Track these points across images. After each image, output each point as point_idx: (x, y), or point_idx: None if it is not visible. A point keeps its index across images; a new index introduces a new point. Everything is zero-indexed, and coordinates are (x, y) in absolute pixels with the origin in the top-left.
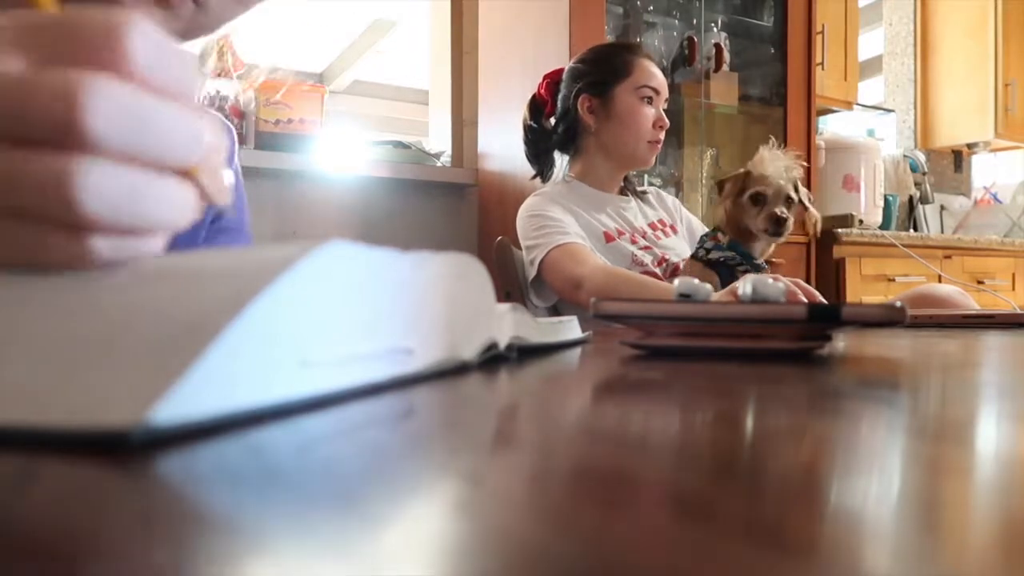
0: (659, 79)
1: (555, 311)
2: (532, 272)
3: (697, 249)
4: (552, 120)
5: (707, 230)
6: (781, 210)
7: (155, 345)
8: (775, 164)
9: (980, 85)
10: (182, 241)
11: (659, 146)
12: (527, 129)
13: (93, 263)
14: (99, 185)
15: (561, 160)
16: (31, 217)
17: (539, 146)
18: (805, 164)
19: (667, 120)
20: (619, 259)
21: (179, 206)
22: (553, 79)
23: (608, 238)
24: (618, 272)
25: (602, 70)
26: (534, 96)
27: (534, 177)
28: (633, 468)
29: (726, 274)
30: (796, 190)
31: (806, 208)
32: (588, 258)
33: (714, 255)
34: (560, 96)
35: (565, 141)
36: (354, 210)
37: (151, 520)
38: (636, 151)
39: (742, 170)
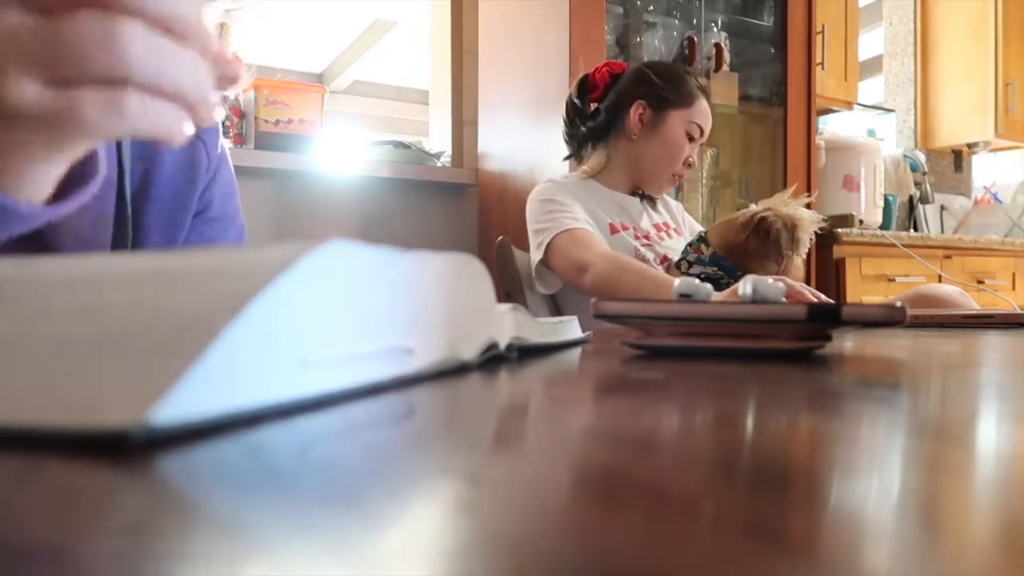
0: (709, 123)
1: (553, 302)
2: (538, 256)
3: (680, 261)
4: (593, 106)
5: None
6: (766, 270)
7: (155, 345)
8: (788, 215)
9: (980, 85)
10: (175, 205)
11: (678, 181)
12: (570, 106)
13: (125, 120)
14: (138, 41)
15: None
16: (74, 78)
17: (577, 126)
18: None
19: (696, 162)
20: (623, 250)
21: (201, 82)
22: (615, 71)
23: (613, 230)
24: (623, 260)
25: (669, 89)
26: (587, 76)
27: (567, 157)
28: (633, 468)
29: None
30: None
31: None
32: (595, 244)
33: (695, 270)
34: (617, 90)
35: (599, 133)
36: (354, 210)
37: (151, 520)
38: (660, 176)
39: (760, 211)
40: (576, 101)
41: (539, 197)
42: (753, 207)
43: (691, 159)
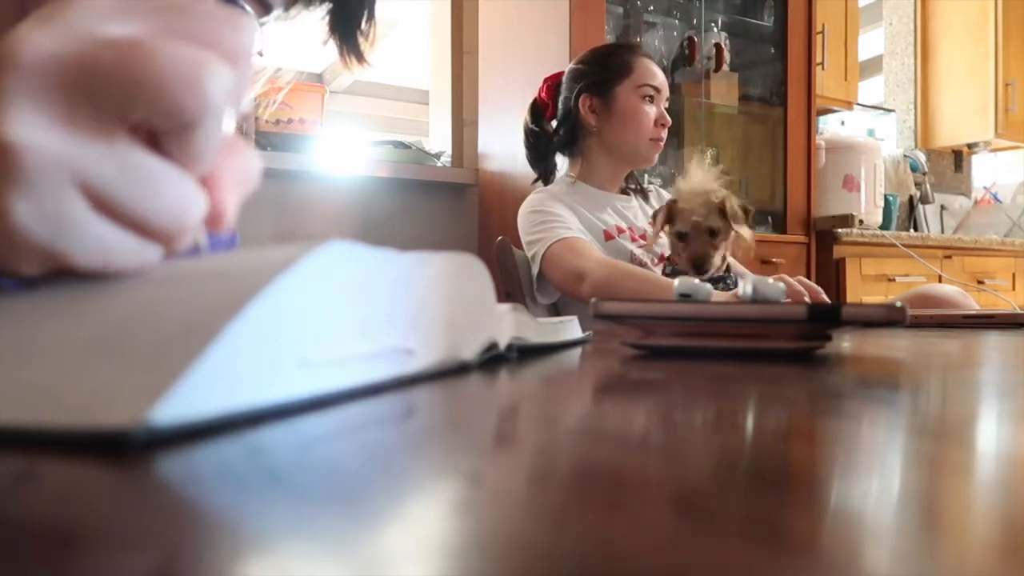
0: (659, 78)
1: (555, 309)
2: (535, 268)
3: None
4: (553, 123)
5: None
6: (703, 250)
7: (155, 345)
8: (694, 196)
9: (980, 85)
10: None
11: (661, 144)
12: (528, 132)
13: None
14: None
15: (562, 163)
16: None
17: (541, 149)
18: (727, 178)
19: (669, 118)
20: (619, 257)
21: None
22: (554, 82)
23: (608, 236)
24: (620, 265)
25: (603, 70)
26: (535, 100)
27: (536, 181)
28: (633, 468)
29: None
30: (724, 215)
31: (737, 232)
32: (590, 252)
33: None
34: (561, 98)
35: (567, 142)
36: (354, 210)
37: (151, 520)
38: (638, 149)
39: (668, 199)
40: (534, 127)
41: (529, 209)
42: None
43: (662, 119)
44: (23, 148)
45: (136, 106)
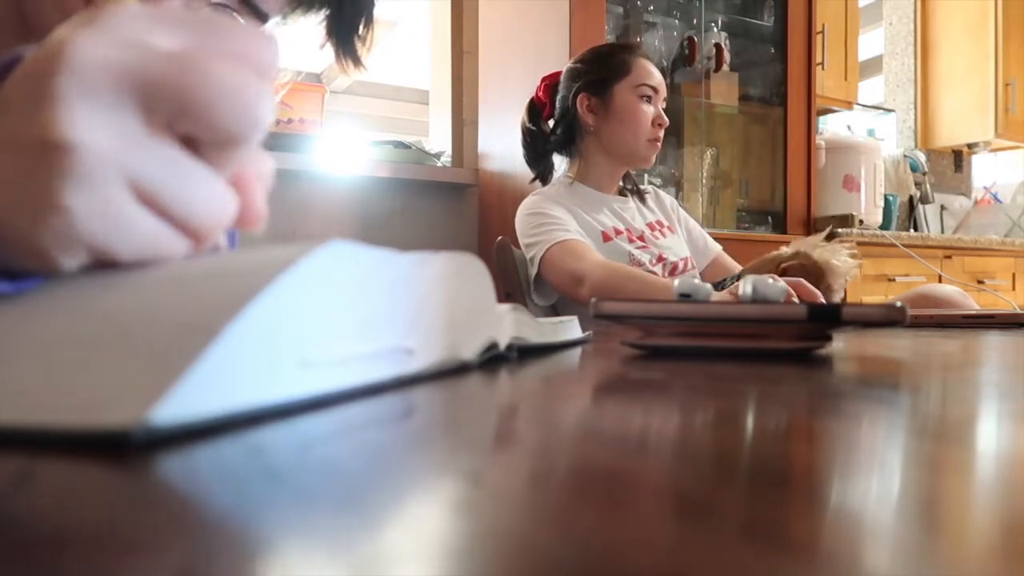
0: (657, 78)
1: (554, 311)
2: (533, 270)
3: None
4: (551, 123)
5: (705, 232)
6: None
7: (155, 345)
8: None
9: (980, 85)
10: None
11: (658, 144)
12: (526, 132)
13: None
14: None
15: (560, 163)
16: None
17: (538, 149)
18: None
19: (666, 118)
20: (617, 258)
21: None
22: (551, 82)
23: (606, 237)
24: (619, 268)
25: (601, 69)
26: (532, 99)
27: (533, 180)
28: (633, 468)
29: None
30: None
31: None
32: (588, 254)
33: None
34: (559, 97)
35: (564, 142)
36: (354, 210)
37: (151, 520)
38: (636, 149)
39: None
40: (531, 127)
41: (527, 211)
42: (784, 250)
43: (659, 119)
44: (79, 146)
45: (187, 119)
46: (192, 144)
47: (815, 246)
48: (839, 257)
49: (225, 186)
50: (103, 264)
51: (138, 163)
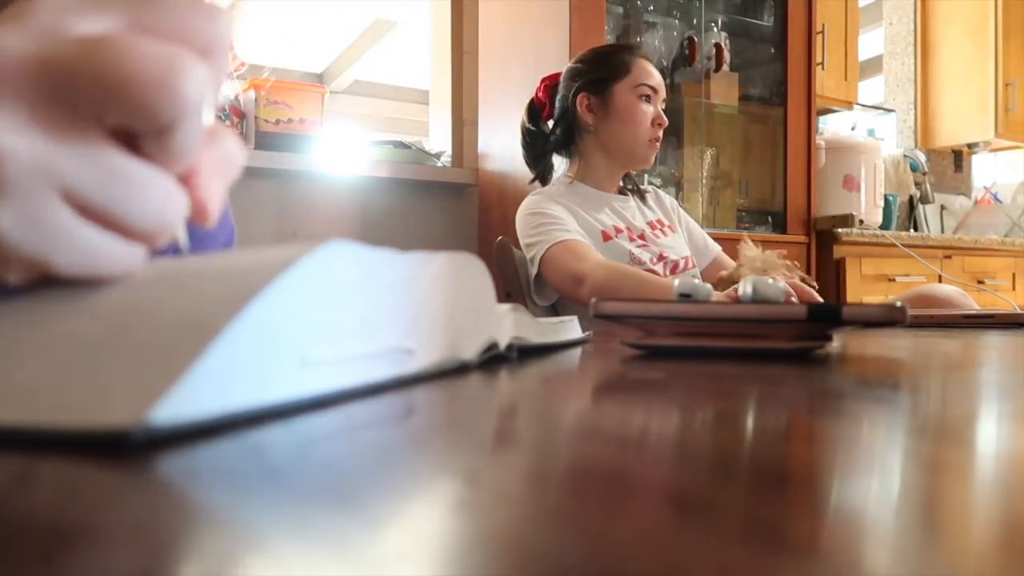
0: (657, 78)
1: (554, 311)
2: (533, 270)
3: None
4: (550, 123)
5: (704, 232)
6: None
7: (155, 345)
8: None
9: (980, 85)
10: None
11: (658, 144)
12: (525, 132)
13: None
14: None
15: (560, 163)
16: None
17: (538, 149)
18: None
19: (666, 119)
20: (617, 257)
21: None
22: (551, 82)
23: (606, 237)
24: (620, 268)
25: (601, 69)
26: (532, 100)
27: (533, 180)
28: (633, 468)
29: None
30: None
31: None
32: (589, 254)
33: None
34: (559, 97)
35: (564, 142)
36: (354, 210)
37: (151, 520)
38: (636, 149)
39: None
40: (531, 127)
41: (527, 211)
42: (728, 274)
43: (659, 119)
44: (1, 156)
45: (110, 108)
46: (133, 139)
47: (752, 259)
48: (770, 256)
49: (171, 182)
50: (50, 279)
51: (66, 167)
